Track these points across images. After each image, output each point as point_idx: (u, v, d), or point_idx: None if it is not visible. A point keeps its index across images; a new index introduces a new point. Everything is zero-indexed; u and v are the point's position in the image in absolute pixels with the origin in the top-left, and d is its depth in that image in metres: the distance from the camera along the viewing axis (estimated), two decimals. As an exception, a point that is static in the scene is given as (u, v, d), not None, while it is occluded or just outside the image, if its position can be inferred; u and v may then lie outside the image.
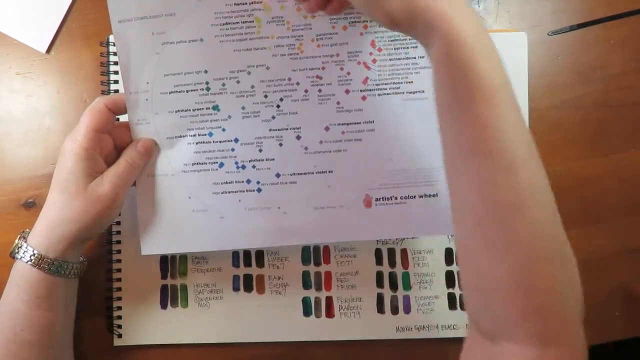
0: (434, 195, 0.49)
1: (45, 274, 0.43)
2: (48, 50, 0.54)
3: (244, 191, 0.48)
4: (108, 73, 0.53)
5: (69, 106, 0.54)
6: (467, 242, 0.36)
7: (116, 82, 0.53)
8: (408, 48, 0.47)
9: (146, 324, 0.52)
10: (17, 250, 0.44)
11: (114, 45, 0.52)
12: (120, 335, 0.52)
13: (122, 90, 0.51)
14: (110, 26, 0.53)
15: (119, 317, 0.52)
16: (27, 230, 0.46)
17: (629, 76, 0.55)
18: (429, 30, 0.35)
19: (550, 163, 0.54)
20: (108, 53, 0.53)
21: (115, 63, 0.53)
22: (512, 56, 0.54)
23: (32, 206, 0.53)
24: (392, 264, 0.54)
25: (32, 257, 0.43)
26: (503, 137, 0.34)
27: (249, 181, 0.48)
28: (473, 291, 0.36)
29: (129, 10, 0.45)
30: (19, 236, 0.45)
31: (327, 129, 0.48)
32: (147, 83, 0.47)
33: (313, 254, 0.54)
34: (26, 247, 0.43)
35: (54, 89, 0.54)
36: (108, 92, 0.53)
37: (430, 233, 0.51)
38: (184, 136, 0.48)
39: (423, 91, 0.48)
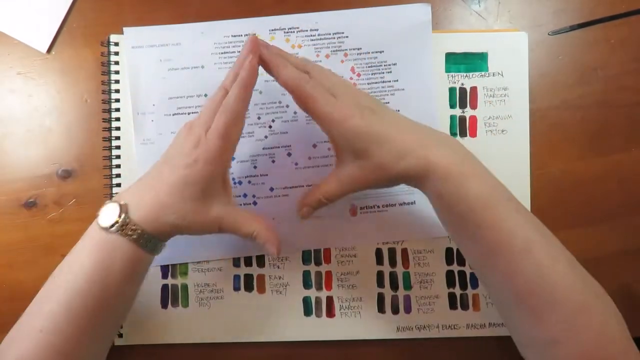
0: (412, 203, 0.53)
1: (144, 252, 0.41)
2: (49, 50, 0.54)
3: (241, 205, 0.53)
4: (109, 73, 0.53)
5: (70, 106, 0.54)
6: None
7: (117, 81, 0.53)
8: (383, 73, 0.54)
9: (147, 323, 0.52)
10: (122, 228, 0.40)
11: (115, 45, 0.53)
12: (120, 335, 0.52)
13: (122, 93, 0.53)
14: (111, 26, 0.54)
15: (120, 317, 0.52)
16: (120, 202, 0.40)
17: (629, 76, 0.55)
18: (418, 178, 0.41)
19: (550, 163, 0.55)
20: (109, 53, 0.53)
21: (116, 63, 0.53)
22: (512, 56, 0.54)
23: (32, 206, 0.53)
24: (392, 263, 0.54)
25: (142, 237, 0.40)
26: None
27: (245, 195, 0.53)
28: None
29: (141, 38, 0.52)
30: (117, 206, 0.40)
31: (314, 146, 0.53)
32: (154, 105, 0.53)
33: (313, 254, 0.54)
34: (134, 225, 0.40)
35: (55, 88, 0.54)
36: (109, 92, 0.53)
37: (409, 237, 0.54)
38: None
39: (398, 110, 0.53)
